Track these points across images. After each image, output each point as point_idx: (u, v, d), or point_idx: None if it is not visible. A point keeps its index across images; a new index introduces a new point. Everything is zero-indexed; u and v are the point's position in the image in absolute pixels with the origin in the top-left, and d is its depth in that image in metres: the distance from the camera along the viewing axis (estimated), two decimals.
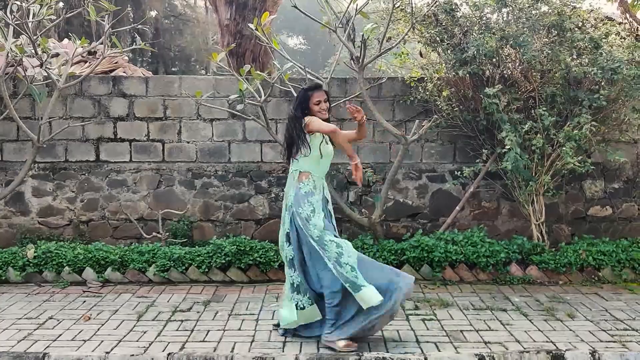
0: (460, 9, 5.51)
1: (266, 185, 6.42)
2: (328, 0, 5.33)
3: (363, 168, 6.29)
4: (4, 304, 4.90)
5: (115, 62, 7.62)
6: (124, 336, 4.13)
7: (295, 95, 5.82)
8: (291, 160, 4.11)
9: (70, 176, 6.37)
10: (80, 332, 4.23)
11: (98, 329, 4.28)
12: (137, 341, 4.04)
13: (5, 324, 4.40)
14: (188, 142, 6.37)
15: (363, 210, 5.90)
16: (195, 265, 5.49)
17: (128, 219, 6.34)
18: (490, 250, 5.39)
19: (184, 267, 5.50)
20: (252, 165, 6.40)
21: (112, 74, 7.19)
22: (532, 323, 4.40)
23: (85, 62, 7.51)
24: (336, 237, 3.95)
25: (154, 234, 5.96)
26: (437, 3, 5.36)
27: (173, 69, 21.44)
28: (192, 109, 6.34)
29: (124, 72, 7.65)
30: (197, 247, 5.77)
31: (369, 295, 3.69)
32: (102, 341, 4.04)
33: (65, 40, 8.34)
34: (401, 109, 6.31)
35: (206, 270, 5.49)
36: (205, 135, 6.37)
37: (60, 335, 4.17)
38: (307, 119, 3.96)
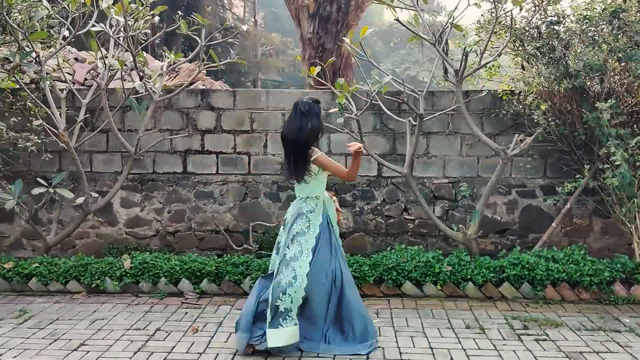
0: (564, 22, 5.39)
1: (350, 198, 6.39)
2: (421, 14, 5.29)
3: (450, 182, 6.28)
4: (108, 313, 4.95)
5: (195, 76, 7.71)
6: (237, 350, 4.10)
7: (384, 108, 5.79)
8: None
9: (158, 187, 6.44)
10: (192, 344, 4.23)
11: (209, 342, 4.28)
12: (252, 355, 4.02)
13: (116, 334, 4.44)
14: (273, 155, 6.38)
15: (456, 225, 5.80)
16: None
17: (214, 230, 6.38)
18: (593, 269, 5.22)
19: None
20: (337, 179, 6.35)
21: (192, 87, 7.27)
22: None
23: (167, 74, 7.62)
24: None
25: (245, 245, 5.96)
26: (541, 16, 5.26)
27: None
28: (278, 122, 6.34)
29: (203, 85, 7.75)
30: None
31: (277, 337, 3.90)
32: (218, 354, 4.04)
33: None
34: (490, 122, 6.21)
35: None
36: None
37: (173, 347, 4.18)
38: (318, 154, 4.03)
